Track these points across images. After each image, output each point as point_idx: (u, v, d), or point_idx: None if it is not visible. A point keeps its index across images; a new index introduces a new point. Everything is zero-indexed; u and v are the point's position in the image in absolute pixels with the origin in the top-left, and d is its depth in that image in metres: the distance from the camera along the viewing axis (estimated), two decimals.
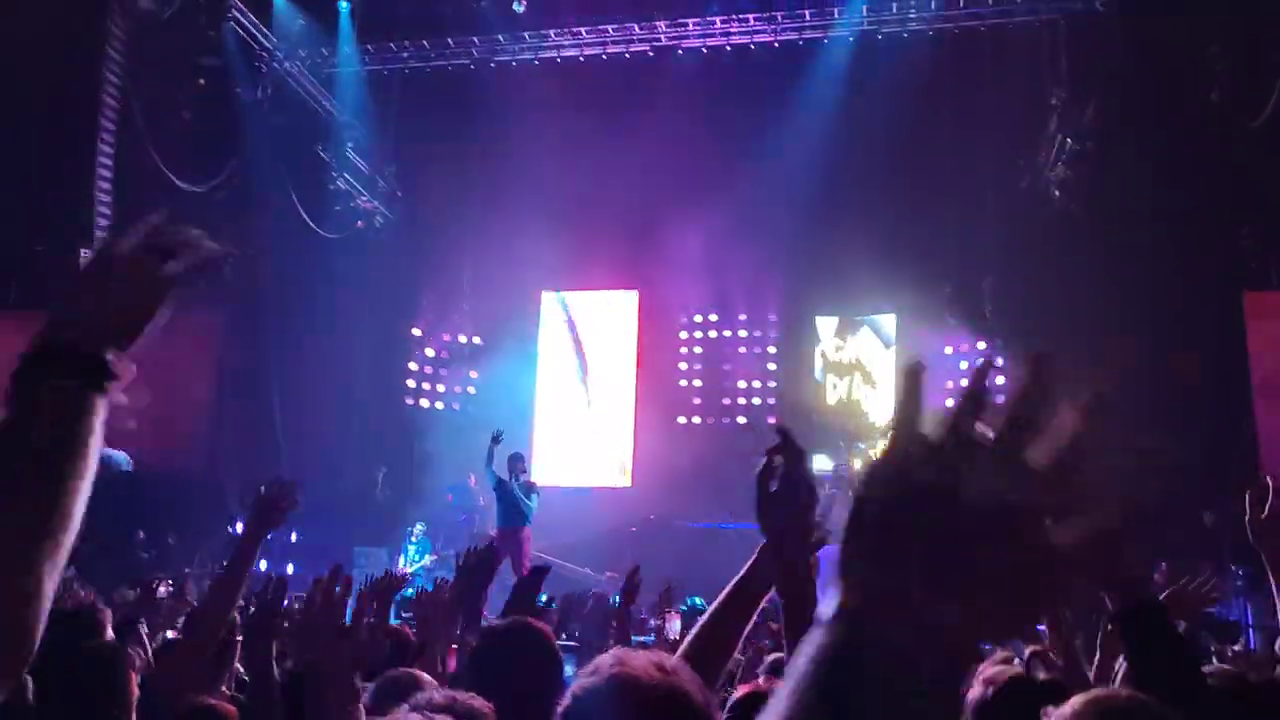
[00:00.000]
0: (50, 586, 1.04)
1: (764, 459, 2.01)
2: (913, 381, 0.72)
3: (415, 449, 16.27)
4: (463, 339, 17.45)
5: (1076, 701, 1.91)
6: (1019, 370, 0.69)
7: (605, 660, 1.64)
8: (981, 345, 15.00)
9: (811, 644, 0.66)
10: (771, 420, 16.09)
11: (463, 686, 2.24)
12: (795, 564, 2.02)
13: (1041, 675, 2.38)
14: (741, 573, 2.20)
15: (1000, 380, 0.76)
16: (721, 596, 2.21)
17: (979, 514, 0.65)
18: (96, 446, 1.12)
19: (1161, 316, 13.13)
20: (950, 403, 0.69)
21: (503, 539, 11.42)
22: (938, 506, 0.65)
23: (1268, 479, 2.66)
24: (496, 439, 12.40)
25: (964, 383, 0.72)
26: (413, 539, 13.83)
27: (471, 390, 17.29)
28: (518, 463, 12.68)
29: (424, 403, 17.28)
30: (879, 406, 16.08)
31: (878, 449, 0.71)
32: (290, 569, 11.68)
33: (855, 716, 0.63)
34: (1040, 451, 0.67)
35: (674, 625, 7.60)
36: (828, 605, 0.67)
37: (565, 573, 13.15)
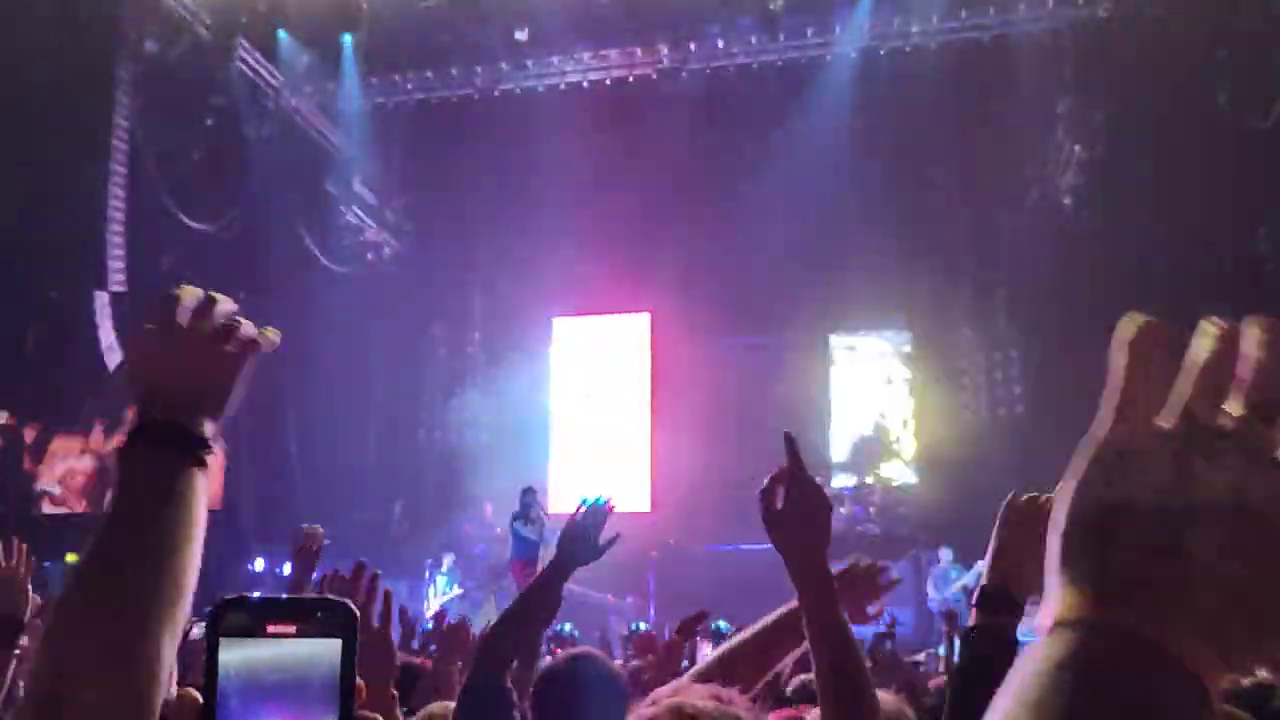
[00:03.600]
0: (171, 656, 1.09)
1: (768, 477, 1.96)
2: (1143, 353, 0.61)
3: (431, 481, 16.24)
4: (475, 368, 17.45)
5: None
6: (1258, 345, 0.57)
7: (663, 692, 1.61)
8: (998, 355, 14.93)
9: (1036, 657, 0.56)
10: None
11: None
12: (813, 575, 1.95)
13: None
14: (777, 614, 2.14)
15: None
16: (751, 632, 2.15)
17: (1222, 520, 0.55)
18: (201, 516, 1.18)
19: (1179, 322, 13.00)
20: (1181, 381, 0.59)
21: (516, 570, 11.51)
22: (1173, 509, 0.56)
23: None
24: (528, 518, 12.51)
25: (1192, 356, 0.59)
26: (441, 570, 13.75)
27: (486, 419, 17.26)
28: (526, 495, 12.72)
29: (438, 434, 17.26)
30: (896, 421, 15.98)
31: (1100, 432, 0.59)
32: None
33: None
34: None
35: (704, 651, 7.49)
36: (1045, 614, 0.58)
37: (585, 599, 13.07)
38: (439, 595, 13.36)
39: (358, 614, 0.76)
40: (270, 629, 0.75)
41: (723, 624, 10.32)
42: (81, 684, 1.03)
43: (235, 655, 0.74)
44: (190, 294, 1.29)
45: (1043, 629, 0.58)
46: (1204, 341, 0.59)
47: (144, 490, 1.16)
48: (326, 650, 0.75)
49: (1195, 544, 0.55)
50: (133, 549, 1.12)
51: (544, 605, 2.87)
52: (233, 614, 0.75)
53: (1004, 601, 1.60)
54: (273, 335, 1.37)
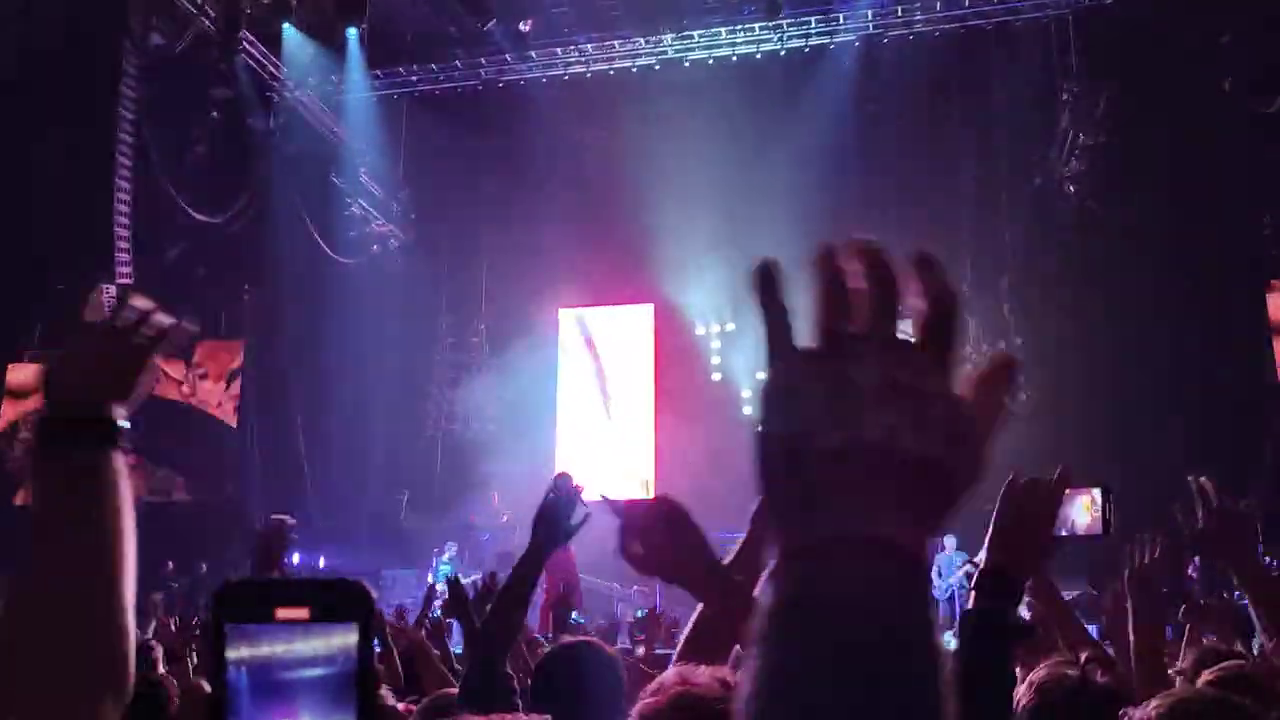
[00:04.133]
0: (130, 625, 1.17)
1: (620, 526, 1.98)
2: (769, 289, 0.68)
3: (438, 471, 16.30)
4: (481, 358, 17.48)
5: (1158, 702, 1.82)
6: (857, 257, 0.67)
7: (669, 678, 1.61)
8: (1002, 344, 14.92)
9: (765, 598, 0.61)
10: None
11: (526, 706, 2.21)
12: (710, 590, 1.98)
13: (1099, 678, 2.27)
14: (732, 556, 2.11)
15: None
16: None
17: (884, 404, 0.62)
18: (126, 493, 1.21)
19: (1183, 308, 13.04)
20: (813, 304, 0.66)
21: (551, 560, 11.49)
22: (842, 412, 0.62)
23: (1205, 482, 2.46)
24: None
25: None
26: (444, 558, 13.82)
27: (491, 410, 17.31)
28: (559, 480, 12.68)
29: (445, 424, 17.32)
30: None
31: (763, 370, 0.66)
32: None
33: (836, 659, 0.58)
34: (915, 326, 0.66)
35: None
36: (771, 559, 0.63)
37: (592, 588, 13.13)
38: (440, 582, 13.41)
39: (374, 594, 0.70)
40: (280, 614, 0.68)
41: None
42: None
43: (244, 643, 0.68)
44: (102, 293, 1.36)
45: (763, 582, 0.62)
46: (816, 269, 0.67)
47: (68, 476, 1.20)
48: (342, 636, 0.69)
49: (870, 436, 0.61)
50: (74, 538, 1.17)
51: (527, 588, 2.90)
52: (239, 598, 0.69)
53: (1002, 585, 1.60)
54: (189, 326, 1.40)
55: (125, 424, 1.25)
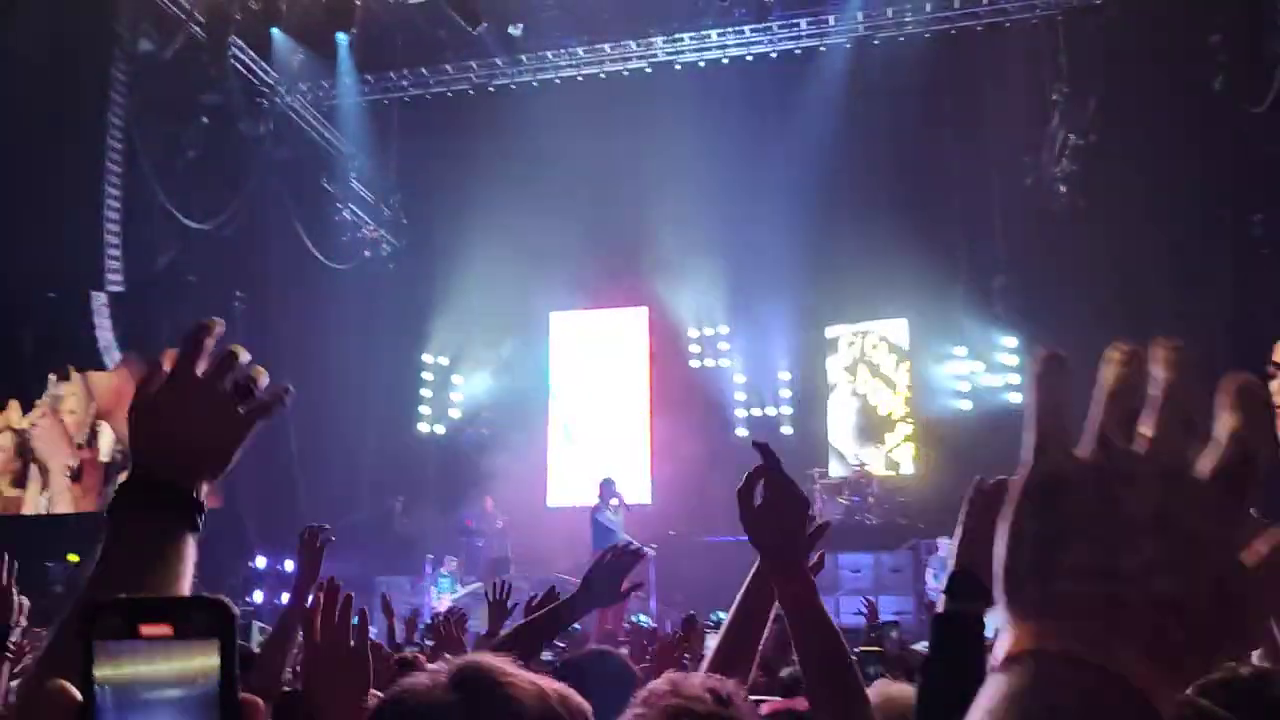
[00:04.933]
0: None
1: (746, 476, 1.98)
2: (1055, 380, 0.62)
3: (431, 476, 16.26)
4: (474, 363, 17.45)
5: None
6: (1162, 365, 0.61)
7: (659, 687, 1.59)
8: (995, 343, 14.95)
9: (990, 694, 0.58)
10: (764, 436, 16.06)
11: None
12: (792, 574, 1.98)
13: None
14: (743, 589, 2.16)
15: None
16: (730, 615, 2.18)
17: (1148, 540, 0.57)
18: (188, 580, 1.13)
19: (1174, 308, 13.06)
20: (1095, 405, 0.61)
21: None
22: (1102, 535, 0.58)
23: None
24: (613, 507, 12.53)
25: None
26: (444, 572, 13.76)
27: (485, 414, 17.28)
28: (606, 488, 12.66)
29: (438, 429, 17.28)
30: (893, 411, 16.00)
31: (1023, 462, 0.61)
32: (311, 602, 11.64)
33: None
34: (1206, 460, 0.59)
35: (710, 644, 7.47)
36: (998, 651, 0.60)
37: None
38: (443, 595, 13.35)
39: (235, 612, 0.71)
40: (144, 630, 0.69)
41: (722, 614, 10.35)
42: None
43: (109, 661, 0.69)
44: (212, 344, 1.24)
45: (995, 665, 0.60)
46: (1110, 368, 0.62)
47: (136, 554, 1.11)
48: (205, 652, 0.70)
49: (1127, 566, 0.57)
50: None
51: (553, 630, 2.89)
52: (105, 617, 0.70)
53: (972, 587, 1.58)
54: (287, 397, 1.31)
55: (205, 501, 1.17)
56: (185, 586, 1.12)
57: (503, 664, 1.33)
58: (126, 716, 0.69)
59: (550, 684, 1.33)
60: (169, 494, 1.14)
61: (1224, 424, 0.59)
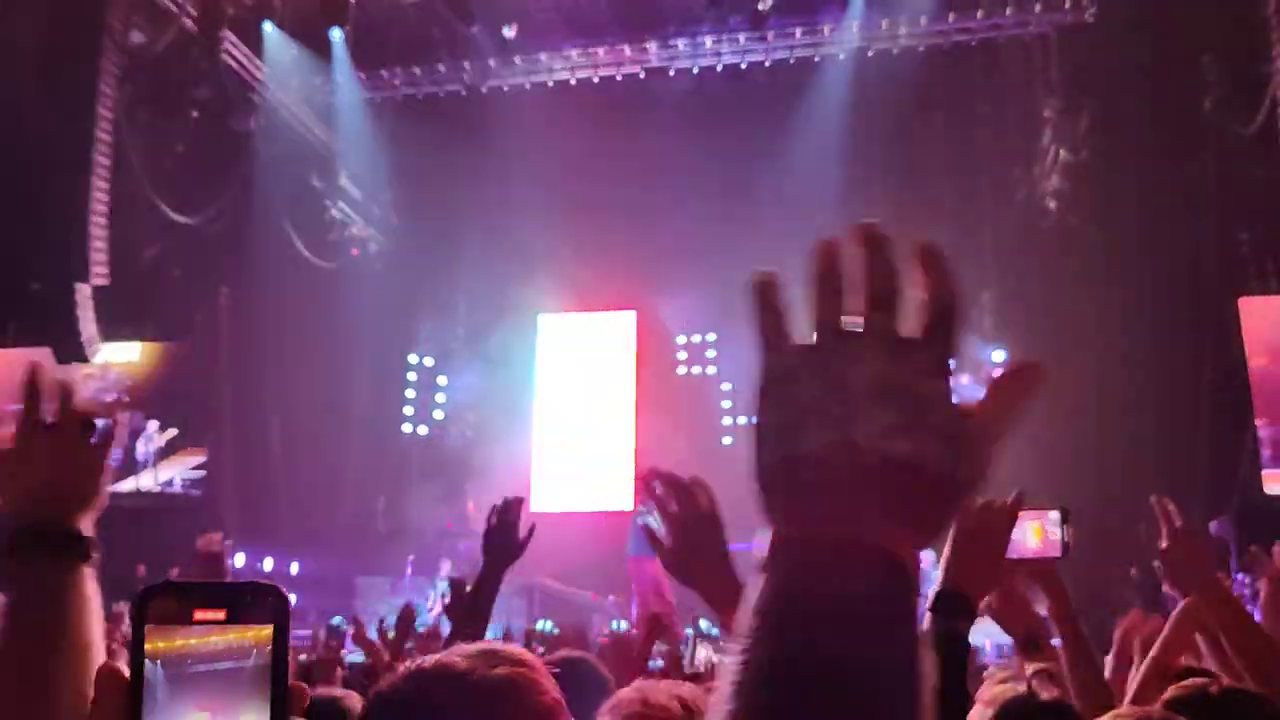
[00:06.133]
0: None
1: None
2: (768, 290, 0.67)
3: (414, 477, 16.20)
4: (460, 364, 17.40)
5: None
6: (860, 245, 0.65)
7: (626, 695, 1.59)
8: (983, 358, 14.97)
9: (752, 593, 0.61)
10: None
11: None
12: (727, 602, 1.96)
13: (1046, 695, 2.28)
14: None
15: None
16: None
17: (876, 406, 0.60)
18: (95, 610, 1.20)
19: (1161, 324, 13.12)
20: (807, 297, 0.65)
21: (634, 567, 11.66)
22: (833, 412, 0.61)
23: (1168, 503, 2.43)
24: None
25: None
26: (440, 576, 13.66)
27: (470, 416, 17.23)
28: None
29: (422, 429, 17.22)
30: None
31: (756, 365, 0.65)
32: (293, 600, 11.58)
33: (814, 651, 0.57)
34: (912, 323, 0.63)
35: (700, 654, 7.40)
36: (759, 545, 0.62)
37: (567, 597, 13.06)
38: (439, 599, 13.25)
39: (290, 598, 0.74)
40: (198, 615, 0.72)
41: (704, 624, 10.34)
42: None
43: (161, 643, 0.71)
44: (49, 384, 1.28)
45: (756, 566, 0.62)
46: (815, 260, 0.65)
47: (39, 596, 1.18)
48: (257, 637, 0.72)
49: (861, 434, 0.60)
50: (31, 661, 1.14)
51: (488, 603, 2.95)
52: (159, 600, 0.72)
53: (957, 604, 1.62)
54: (123, 414, 1.37)
55: (90, 535, 1.23)
56: (93, 612, 1.19)
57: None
58: (176, 688, 0.71)
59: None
60: (53, 536, 1.21)
61: (918, 287, 0.64)
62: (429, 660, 1.35)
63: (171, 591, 0.73)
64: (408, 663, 1.36)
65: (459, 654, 1.35)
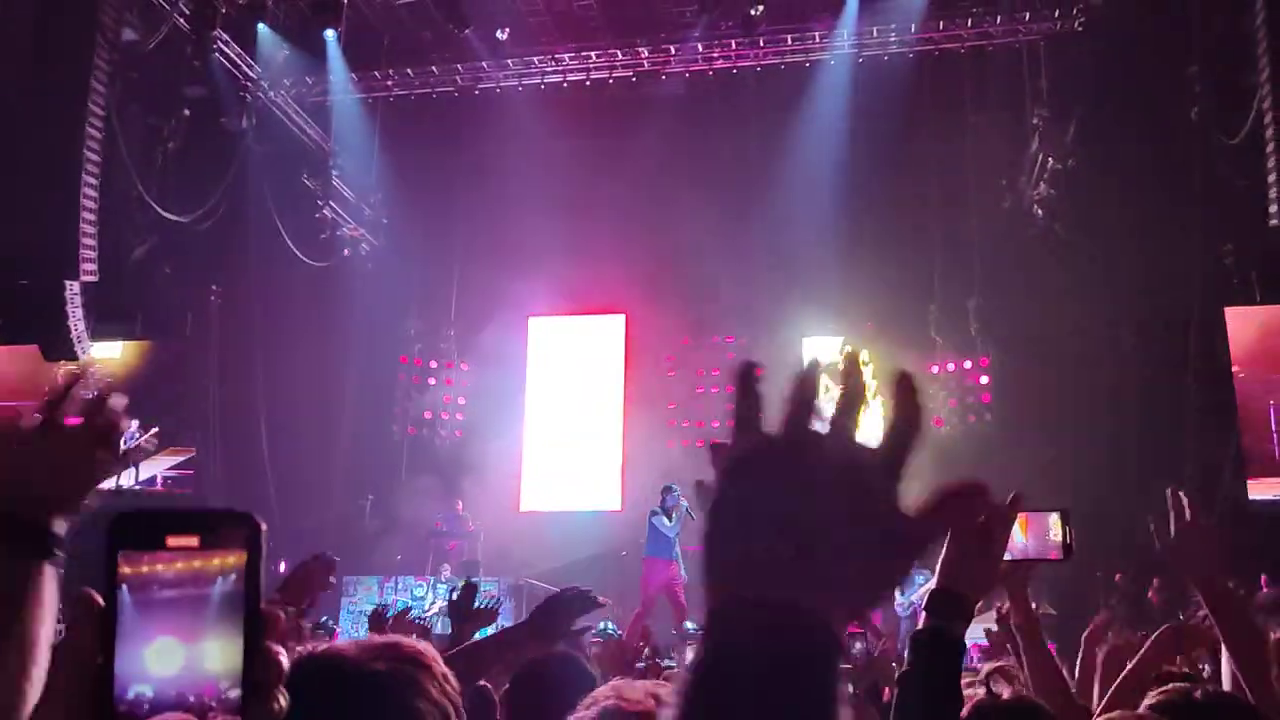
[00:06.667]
0: None
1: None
2: (746, 380, 0.74)
3: (403, 477, 16.19)
4: (450, 365, 17.41)
5: None
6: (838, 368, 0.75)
7: (602, 693, 1.62)
8: (968, 365, 15.06)
9: (695, 651, 0.68)
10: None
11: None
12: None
13: (1006, 693, 2.29)
14: None
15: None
16: None
17: (826, 490, 0.68)
18: (51, 610, 1.19)
19: (1146, 332, 13.23)
20: (782, 397, 0.73)
21: (647, 568, 11.69)
22: (789, 492, 0.68)
23: (1182, 496, 2.47)
24: (666, 512, 12.38)
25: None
26: (442, 579, 13.63)
27: (460, 416, 17.24)
28: (666, 494, 12.53)
29: (411, 430, 17.20)
30: (866, 426, 16.05)
31: (721, 449, 0.73)
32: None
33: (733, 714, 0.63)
34: (878, 434, 0.71)
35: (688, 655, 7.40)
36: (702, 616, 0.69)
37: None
38: (436, 601, 13.20)
39: (262, 525, 0.74)
40: (170, 541, 0.72)
41: (689, 625, 10.38)
42: None
43: (133, 568, 0.71)
44: (81, 391, 1.30)
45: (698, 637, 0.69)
46: (796, 376, 0.73)
47: None
48: (224, 564, 0.72)
49: (809, 520, 0.67)
50: None
51: (496, 660, 2.87)
52: (131, 526, 0.72)
53: (952, 605, 1.62)
54: (150, 445, 1.41)
55: (62, 534, 1.23)
56: (45, 611, 1.18)
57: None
58: (156, 614, 0.71)
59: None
60: (22, 528, 1.20)
61: (886, 406, 0.73)
62: (324, 646, 1.36)
63: (144, 517, 0.73)
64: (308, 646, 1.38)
65: (361, 644, 1.36)
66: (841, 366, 0.74)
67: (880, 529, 0.69)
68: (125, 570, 0.72)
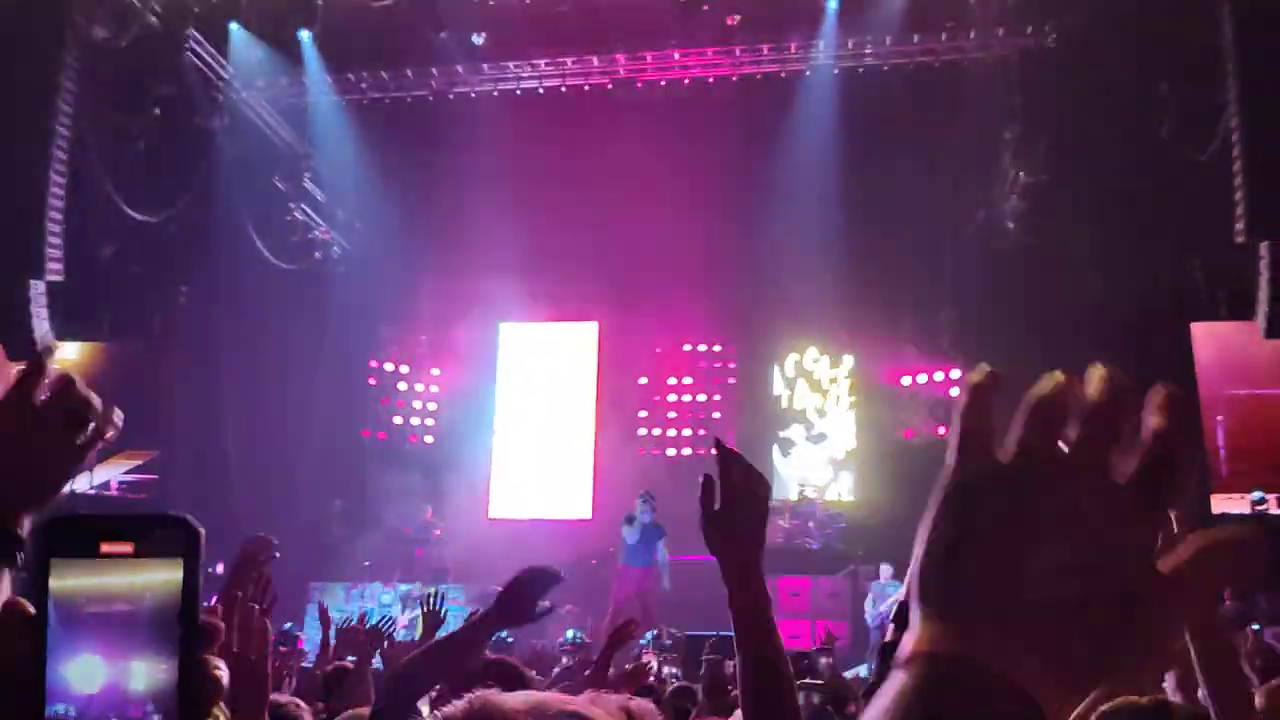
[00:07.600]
0: None
1: (703, 479, 1.98)
2: (982, 394, 0.62)
3: (372, 482, 16.07)
4: (421, 370, 17.31)
5: None
6: (1094, 381, 0.61)
7: (579, 702, 1.59)
8: (940, 376, 15.13)
9: (888, 692, 0.58)
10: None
11: None
12: (743, 578, 1.97)
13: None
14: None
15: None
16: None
17: (1058, 543, 0.57)
18: None
19: (1114, 348, 13.32)
20: (1019, 416, 0.61)
21: (622, 576, 11.66)
22: (1011, 537, 0.57)
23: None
24: (629, 520, 12.32)
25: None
26: (411, 597, 13.51)
27: (430, 422, 17.14)
28: (640, 501, 12.46)
29: (381, 435, 17.08)
30: (839, 437, 16.12)
31: (945, 469, 0.61)
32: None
33: None
34: (1126, 463, 0.58)
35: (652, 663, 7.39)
36: (906, 644, 0.60)
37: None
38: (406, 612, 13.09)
39: (200, 531, 0.70)
40: (104, 548, 0.69)
41: (648, 636, 10.34)
42: None
43: (65, 577, 0.68)
44: (52, 371, 1.18)
45: (900, 663, 0.59)
46: (1042, 383, 0.61)
47: None
48: (166, 572, 0.69)
49: (1033, 569, 0.56)
50: None
51: (465, 653, 2.80)
52: (63, 532, 0.69)
53: None
54: (113, 428, 1.24)
55: (23, 538, 1.13)
56: None
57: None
58: (81, 629, 0.68)
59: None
60: None
61: (1148, 427, 0.58)
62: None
63: (76, 523, 0.70)
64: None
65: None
66: (1159, 401, 0.59)
67: (1121, 590, 0.56)
68: (56, 579, 0.69)
